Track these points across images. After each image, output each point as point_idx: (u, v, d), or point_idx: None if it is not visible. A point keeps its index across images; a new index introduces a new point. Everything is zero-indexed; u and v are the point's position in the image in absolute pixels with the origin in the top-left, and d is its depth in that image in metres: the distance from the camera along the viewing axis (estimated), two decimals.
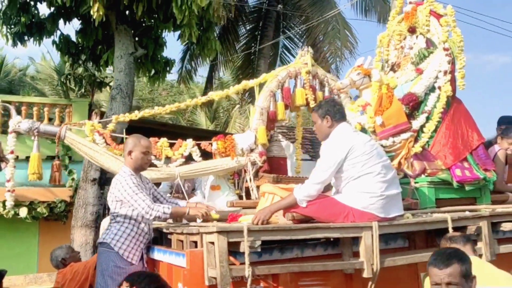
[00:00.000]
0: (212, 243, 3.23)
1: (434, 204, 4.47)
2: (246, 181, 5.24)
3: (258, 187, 4.95)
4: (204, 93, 12.76)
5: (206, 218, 3.99)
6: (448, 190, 4.59)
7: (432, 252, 2.76)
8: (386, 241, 3.96)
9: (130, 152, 3.94)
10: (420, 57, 4.95)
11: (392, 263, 3.66)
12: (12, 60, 26.25)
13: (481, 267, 3.05)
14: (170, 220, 4.37)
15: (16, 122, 4.67)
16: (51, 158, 9.45)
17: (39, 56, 25.15)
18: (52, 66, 22.70)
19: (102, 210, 8.10)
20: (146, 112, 5.26)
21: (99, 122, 4.98)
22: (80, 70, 11.59)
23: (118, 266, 3.74)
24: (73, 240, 7.83)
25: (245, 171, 5.27)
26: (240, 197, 5.27)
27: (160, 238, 4.38)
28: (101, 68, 10.21)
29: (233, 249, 3.28)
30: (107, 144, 4.90)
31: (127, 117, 5.20)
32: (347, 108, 4.99)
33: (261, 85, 5.78)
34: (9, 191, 4.63)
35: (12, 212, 8.99)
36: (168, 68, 10.20)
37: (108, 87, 11.92)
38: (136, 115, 5.21)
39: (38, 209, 9.27)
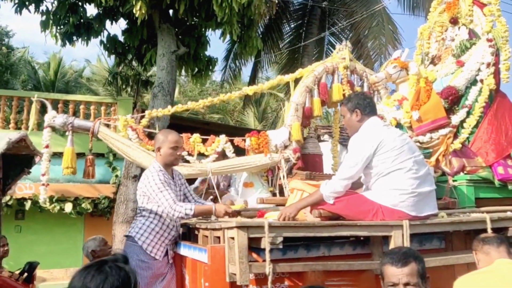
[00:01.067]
0: (233, 238, 3.15)
1: (473, 204, 4.22)
2: (280, 178, 5.13)
3: None
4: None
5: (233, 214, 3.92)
6: (489, 189, 4.32)
7: (385, 252, 2.59)
8: (421, 242, 3.77)
9: (159, 148, 3.92)
10: (462, 49, 4.69)
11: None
12: (70, 62, 27.33)
13: None
14: None
15: (51, 117, 4.76)
16: (96, 155, 9.74)
17: (95, 58, 26.03)
18: (106, 68, 23.39)
19: None
20: (179, 107, 5.25)
21: (132, 117, 5.01)
22: (127, 69, 11.85)
23: (141, 260, 3.73)
24: (114, 235, 7.96)
25: (278, 168, 5.18)
26: (274, 195, 5.16)
27: (188, 233, 4.35)
28: (146, 67, 10.36)
29: (256, 246, 3.20)
30: (140, 139, 4.92)
31: (160, 112, 5.21)
32: (383, 103, 4.80)
33: (297, 81, 5.69)
34: (43, 184, 4.71)
35: (58, 207, 9.28)
36: (210, 67, 10.22)
37: None
38: (169, 110, 5.22)
39: (83, 205, 9.52)
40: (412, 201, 3.43)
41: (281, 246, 3.17)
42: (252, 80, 14.02)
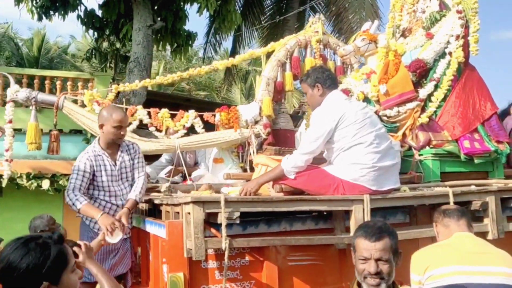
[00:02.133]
0: (190, 213, 3.10)
1: (439, 178, 4.18)
2: (250, 154, 5.07)
3: None
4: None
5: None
6: (455, 163, 4.28)
7: (360, 224, 2.52)
8: (384, 216, 3.74)
9: (101, 126, 3.75)
10: (432, 21, 4.61)
11: None
12: (55, 38, 26.91)
13: (473, 244, 2.80)
14: (164, 188, 4.24)
15: (14, 91, 4.64)
16: (74, 132, 9.61)
17: (81, 35, 25.61)
18: (91, 45, 23.00)
19: None
20: (146, 82, 5.15)
21: (98, 92, 4.90)
22: (109, 45, 11.63)
23: (91, 237, 3.66)
24: None
25: (249, 144, 5.11)
26: (245, 170, 5.11)
27: (154, 209, 4.30)
28: (124, 41, 10.18)
29: (215, 221, 3.15)
30: None
31: (127, 86, 5.11)
32: (351, 76, 4.73)
33: (269, 55, 5.58)
34: (7, 160, 4.61)
35: (35, 184, 9.17)
36: (190, 42, 10.06)
37: None
38: (136, 84, 5.11)
39: (60, 182, 9.39)
40: (373, 176, 3.40)
41: (238, 221, 3.14)
42: (233, 56, 13.82)
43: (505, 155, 4.31)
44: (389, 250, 2.23)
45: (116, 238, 3.46)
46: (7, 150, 4.63)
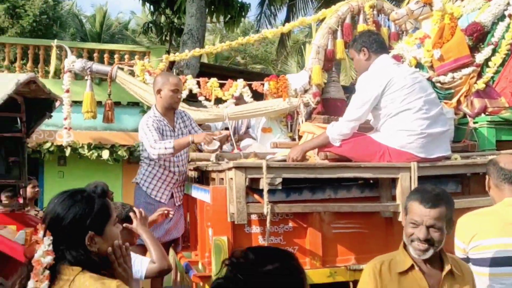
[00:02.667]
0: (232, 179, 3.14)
1: (494, 146, 3.97)
2: (299, 124, 5.03)
3: None
4: (282, 36, 12.40)
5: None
6: None
7: (416, 187, 2.42)
8: (435, 185, 3.58)
9: (159, 91, 3.88)
10: None
11: None
12: (116, 14, 27.61)
13: None
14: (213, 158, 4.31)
15: (71, 61, 4.81)
16: (132, 104, 9.91)
17: (140, 10, 26.22)
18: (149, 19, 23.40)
19: None
20: (196, 52, 5.19)
21: (150, 62, 4.99)
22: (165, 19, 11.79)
23: (148, 203, 3.84)
24: None
25: (297, 113, 5.07)
26: (293, 140, 5.08)
27: (201, 177, 4.38)
28: (179, 14, 10.29)
29: (257, 187, 3.17)
30: None
31: (177, 56, 5.18)
32: (403, 41, 4.55)
33: (321, 23, 5.47)
34: (66, 128, 4.82)
35: (96, 154, 9.59)
36: (243, 13, 10.02)
37: None
38: (186, 54, 5.16)
39: (119, 152, 9.78)
40: (421, 142, 3.28)
41: (280, 187, 3.14)
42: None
43: None
44: (443, 219, 2.15)
45: (214, 146, 3.73)
46: (65, 119, 4.84)
